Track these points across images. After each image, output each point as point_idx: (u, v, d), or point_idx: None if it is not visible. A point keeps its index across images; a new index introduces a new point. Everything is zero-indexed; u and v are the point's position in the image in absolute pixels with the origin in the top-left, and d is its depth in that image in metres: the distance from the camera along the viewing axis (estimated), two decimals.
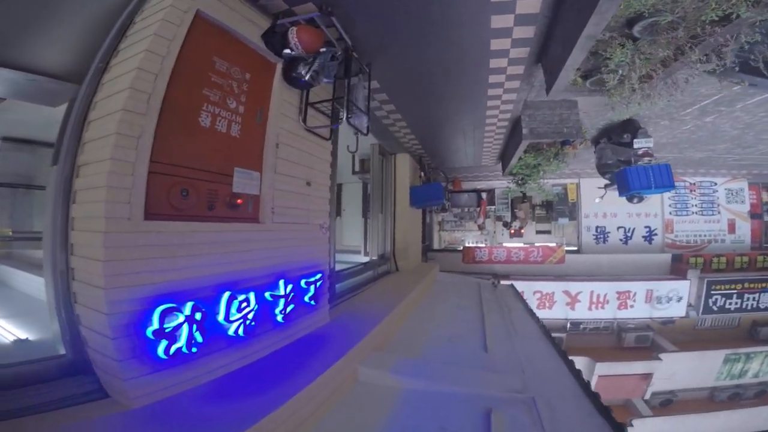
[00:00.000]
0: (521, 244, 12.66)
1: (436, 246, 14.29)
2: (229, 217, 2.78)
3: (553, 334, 6.19)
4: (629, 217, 12.11)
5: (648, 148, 6.48)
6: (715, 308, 10.60)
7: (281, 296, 3.18)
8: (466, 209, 13.66)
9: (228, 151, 2.82)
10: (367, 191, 8.73)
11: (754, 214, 12.16)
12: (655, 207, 11.91)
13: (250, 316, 2.83)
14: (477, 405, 2.97)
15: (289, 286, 3.27)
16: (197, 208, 2.54)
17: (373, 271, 6.91)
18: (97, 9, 2.47)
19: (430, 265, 9.12)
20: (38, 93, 2.51)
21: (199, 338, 2.42)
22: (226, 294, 2.63)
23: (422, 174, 8.54)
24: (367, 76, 4.18)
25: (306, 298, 3.56)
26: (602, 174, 7.71)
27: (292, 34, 3.11)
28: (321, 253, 3.84)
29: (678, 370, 10.47)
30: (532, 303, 10.26)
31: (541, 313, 10.11)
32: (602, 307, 10.51)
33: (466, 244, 13.73)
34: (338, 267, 6.36)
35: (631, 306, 10.49)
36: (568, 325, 11.25)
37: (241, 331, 2.73)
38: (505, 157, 8.29)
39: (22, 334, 3.21)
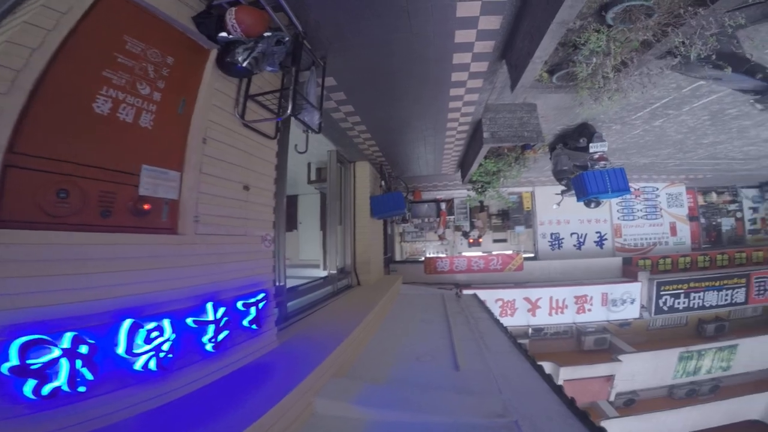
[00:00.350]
0: (480, 253, 12.48)
1: (398, 257, 13.81)
2: (134, 226, 2.11)
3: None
4: (581, 223, 12.25)
5: (603, 152, 6.37)
6: (665, 308, 10.77)
7: (209, 322, 2.54)
8: (426, 219, 13.32)
9: (134, 144, 2.17)
10: (325, 202, 8.12)
11: (692, 217, 12.68)
12: (604, 213, 12.13)
13: (165, 347, 2.18)
14: None
15: (221, 310, 2.64)
16: (84, 215, 1.87)
17: (333, 286, 6.27)
18: None
19: (393, 278, 8.59)
20: None
21: (88, 375, 1.81)
22: (127, 322, 1.98)
23: (383, 183, 8.07)
24: (321, 70, 3.66)
25: (245, 322, 2.93)
26: (558, 180, 7.57)
27: (231, 15, 2.57)
28: (264, 269, 3.21)
29: (638, 370, 10.54)
30: (495, 311, 9.96)
31: (504, 321, 9.78)
32: (562, 312, 10.40)
33: (428, 255, 13.38)
34: (293, 283, 5.72)
35: (589, 310, 10.45)
36: (530, 331, 11.10)
37: (152, 365, 2.10)
38: (464, 164, 7.99)
39: None
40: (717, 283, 11.08)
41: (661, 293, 10.72)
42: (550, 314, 10.37)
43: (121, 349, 1.96)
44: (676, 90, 5.24)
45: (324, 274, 6.55)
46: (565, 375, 10.13)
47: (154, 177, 2.23)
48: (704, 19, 2.32)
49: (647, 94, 5.37)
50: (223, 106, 2.89)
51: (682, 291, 10.86)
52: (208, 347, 2.55)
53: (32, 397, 1.67)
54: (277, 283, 4.21)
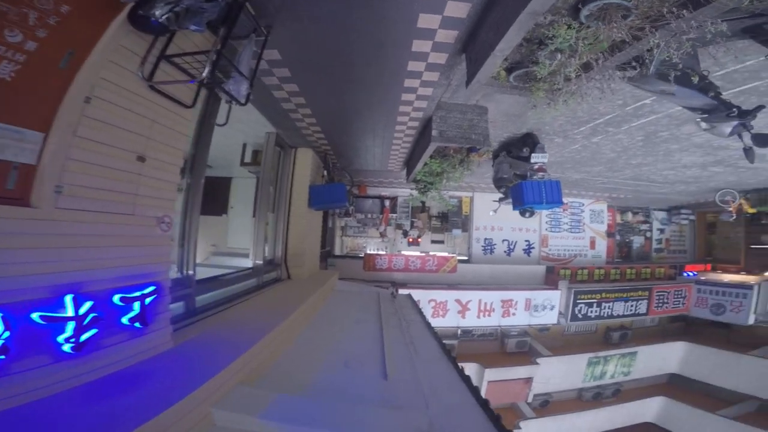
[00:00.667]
0: (418, 253, 12.43)
1: (338, 252, 13.32)
2: None
3: (446, 341, 5.75)
4: (513, 231, 12.63)
5: (543, 163, 6.41)
6: (580, 315, 11.41)
7: (67, 318, 1.98)
8: (369, 215, 12.98)
9: None
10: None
11: (609, 233, 13.65)
12: (534, 223, 12.61)
13: None
14: None
15: (87, 304, 2.08)
16: None
17: (258, 279, 5.67)
18: None
19: (329, 273, 8.11)
20: None
21: None
22: None
23: (325, 173, 7.54)
24: (262, 41, 3.12)
25: (124, 320, 2.36)
26: (498, 187, 7.58)
27: None
28: (157, 257, 2.61)
29: (552, 373, 11.05)
30: (427, 311, 9.92)
31: (435, 322, 9.82)
32: (489, 315, 10.60)
33: (368, 252, 13.06)
34: (211, 273, 5.06)
35: (513, 314, 10.76)
36: (459, 332, 11.22)
37: None
38: (411, 162, 7.72)
39: None
40: (625, 295, 11.96)
41: (577, 301, 11.35)
42: (479, 317, 10.52)
43: None
44: (621, 107, 5.29)
45: (249, 264, 5.91)
46: (489, 376, 10.37)
47: None
48: (686, 22, 2.18)
49: (593, 109, 5.42)
50: (125, 64, 2.28)
51: (595, 300, 11.59)
52: (65, 348, 2.00)
53: None
54: (183, 274, 3.62)
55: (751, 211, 10.07)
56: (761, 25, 2.57)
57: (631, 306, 12.08)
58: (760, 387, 10.73)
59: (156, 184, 2.54)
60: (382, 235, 13.40)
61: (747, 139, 3.85)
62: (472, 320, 10.53)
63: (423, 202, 13.22)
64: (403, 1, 2.93)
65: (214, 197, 9.24)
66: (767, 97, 4.31)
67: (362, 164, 8.79)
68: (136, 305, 2.44)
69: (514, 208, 6.61)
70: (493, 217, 11.60)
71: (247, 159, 6.60)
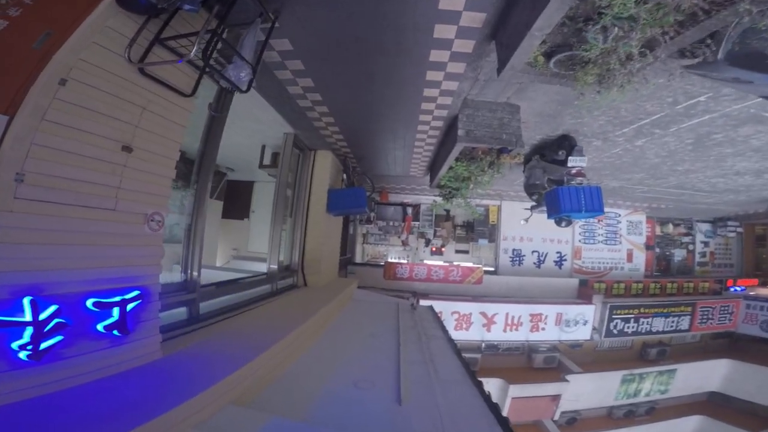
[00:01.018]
0: (442, 263, 11.91)
1: (358, 259, 12.96)
2: None
3: (468, 355, 5.22)
4: (543, 242, 11.89)
5: (582, 167, 5.82)
6: (615, 331, 10.56)
7: (24, 323, 1.73)
8: (391, 223, 12.55)
9: None
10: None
11: (648, 246, 12.65)
12: (566, 234, 11.82)
13: None
14: None
15: (50, 308, 1.82)
16: None
17: (272, 285, 5.36)
18: None
19: (348, 281, 7.75)
20: None
21: None
22: None
23: (345, 177, 7.22)
24: (269, 27, 2.82)
25: (100, 327, 2.07)
26: (530, 195, 7.01)
27: None
28: (143, 258, 2.30)
29: (583, 391, 10.25)
30: (450, 324, 9.37)
31: (458, 335, 9.28)
32: (516, 329, 9.94)
33: (389, 260, 12.66)
34: (225, 277, 4.81)
35: (543, 329, 10.05)
36: (483, 346, 10.59)
37: None
38: (434, 167, 7.29)
39: None
40: (665, 310, 11.04)
41: (613, 317, 10.50)
42: (505, 330, 9.87)
43: None
44: (671, 105, 4.68)
45: (262, 271, 5.62)
46: (513, 393, 9.67)
47: None
48: None
49: (638, 108, 4.85)
50: (110, 46, 2.01)
51: (632, 316, 10.70)
52: (21, 355, 1.75)
53: None
54: (186, 277, 3.34)
55: None
56: None
57: (672, 322, 11.15)
58: None
59: (145, 178, 2.25)
60: (404, 243, 12.94)
61: None
62: (497, 334, 9.89)
63: (447, 210, 12.70)
64: None
65: (235, 201, 9.14)
66: None
67: (383, 169, 8.42)
68: (115, 311, 2.16)
69: (549, 216, 6.03)
70: (522, 227, 10.99)
71: (266, 161, 6.36)
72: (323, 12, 2.94)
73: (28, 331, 1.75)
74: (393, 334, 4.78)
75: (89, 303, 2.03)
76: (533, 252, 11.80)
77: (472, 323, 9.75)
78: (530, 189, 6.79)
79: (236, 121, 5.23)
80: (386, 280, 10.32)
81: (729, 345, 12.77)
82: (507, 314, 9.85)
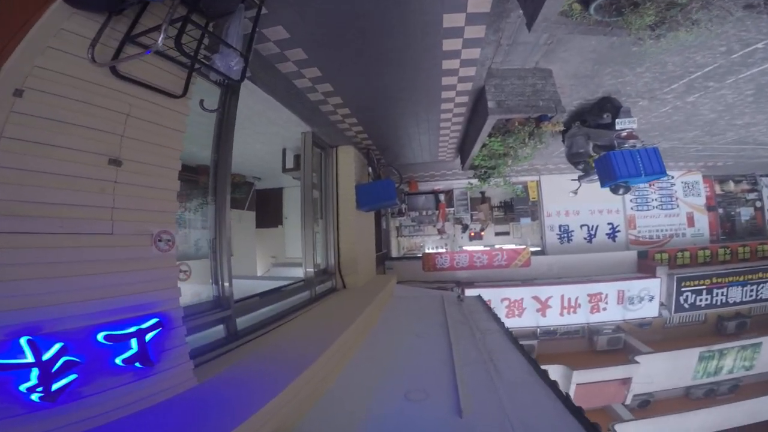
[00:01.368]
0: (482, 247, 11.32)
1: (394, 254, 12.63)
2: None
3: (524, 342, 4.70)
4: (591, 214, 10.99)
5: (632, 129, 5.16)
6: (686, 306, 9.56)
7: (28, 365, 1.58)
8: (424, 212, 12.10)
9: None
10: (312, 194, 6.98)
11: (710, 207, 11.40)
12: (616, 203, 10.85)
13: None
14: None
15: (55, 347, 1.64)
16: None
17: (311, 291, 5.13)
18: None
19: (387, 278, 7.43)
20: None
21: None
22: None
23: (370, 170, 6.88)
24: (255, 15, 2.51)
25: (119, 360, 1.86)
26: (574, 164, 6.38)
27: None
28: (157, 282, 2.06)
29: (656, 372, 9.36)
30: (501, 312, 8.84)
31: (511, 322, 8.70)
32: (574, 312, 9.21)
33: (426, 251, 12.22)
34: (269, 286, 4.62)
35: (604, 309, 9.26)
36: (539, 331, 9.96)
37: None
38: (464, 147, 6.79)
39: None
40: (741, 278, 9.85)
41: (682, 289, 9.51)
42: (562, 314, 9.18)
43: None
44: (724, 55, 4.15)
45: (301, 276, 5.40)
46: (578, 379, 9.00)
47: None
48: None
49: (687, 61, 4.35)
50: (71, 50, 1.76)
51: (704, 287, 9.64)
52: (33, 397, 1.59)
53: None
54: (218, 294, 3.13)
55: None
56: None
57: (751, 291, 9.94)
58: None
59: (144, 194, 2.00)
60: (441, 231, 12.42)
61: None
62: (554, 318, 9.22)
63: (482, 192, 12.08)
64: None
65: (267, 210, 9.08)
66: None
67: (409, 157, 8.00)
68: (133, 342, 1.95)
69: (603, 185, 5.41)
70: (567, 200, 10.22)
71: (289, 164, 6.14)
72: None
73: (35, 373, 1.58)
74: (442, 332, 4.40)
75: (100, 337, 1.83)
76: (582, 226, 10.93)
77: (524, 309, 9.15)
78: (574, 158, 6.18)
79: (250, 126, 5.02)
80: (426, 272, 9.93)
81: None
82: (562, 296, 9.15)
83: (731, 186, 12.13)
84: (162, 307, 2.09)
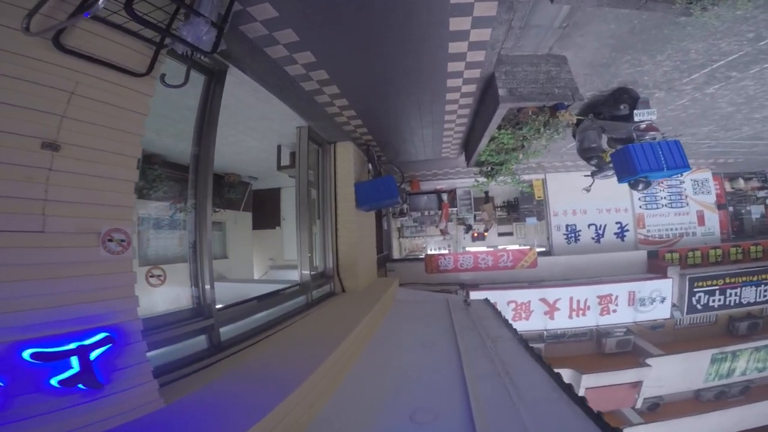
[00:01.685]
0: (486, 248, 10.92)
1: (396, 255, 12.23)
2: None
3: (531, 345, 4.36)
4: (599, 213, 10.56)
5: (651, 120, 4.78)
6: (699, 306, 9.16)
7: None
8: (426, 212, 11.70)
9: None
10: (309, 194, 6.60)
11: (720, 205, 10.98)
12: (624, 201, 10.46)
13: None
14: None
15: None
16: None
17: (306, 296, 4.75)
18: None
19: (388, 281, 7.04)
20: None
21: None
22: None
23: (370, 167, 6.50)
24: None
25: (54, 382, 1.55)
26: (586, 160, 5.99)
27: None
28: (107, 291, 1.71)
29: (667, 375, 8.99)
30: (507, 315, 8.43)
31: (518, 325, 8.25)
32: (583, 314, 8.80)
33: (428, 252, 11.83)
34: (263, 291, 4.25)
35: (614, 311, 8.84)
36: (545, 334, 9.56)
37: None
38: (470, 142, 6.40)
39: None
40: (755, 278, 9.44)
41: (695, 290, 9.11)
42: (571, 317, 8.76)
43: None
44: (752, 42, 3.82)
45: (297, 279, 5.01)
46: (587, 383, 8.65)
47: None
48: None
49: (711, 48, 3.98)
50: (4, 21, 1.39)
51: (717, 287, 9.23)
52: None
53: None
54: (198, 301, 2.76)
55: None
56: None
57: (766, 291, 9.50)
58: None
59: (90, 184, 1.63)
60: (443, 232, 12.02)
61: None
62: (562, 321, 8.80)
63: (486, 192, 11.69)
64: None
65: (264, 210, 8.71)
66: None
67: (411, 154, 7.62)
68: (73, 361, 1.59)
69: (621, 180, 5.02)
70: (573, 199, 9.83)
71: (285, 162, 5.76)
72: None
73: None
74: (449, 340, 4.01)
75: (26, 355, 1.46)
76: (590, 225, 10.51)
77: (532, 311, 8.74)
78: (586, 153, 5.79)
79: (243, 121, 4.66)
80: (429, 274, 9.53)
81: None
82: (571, 298, 8.74)
83: (741, 183, 11.71)
84: (114, 319, 1.72)
